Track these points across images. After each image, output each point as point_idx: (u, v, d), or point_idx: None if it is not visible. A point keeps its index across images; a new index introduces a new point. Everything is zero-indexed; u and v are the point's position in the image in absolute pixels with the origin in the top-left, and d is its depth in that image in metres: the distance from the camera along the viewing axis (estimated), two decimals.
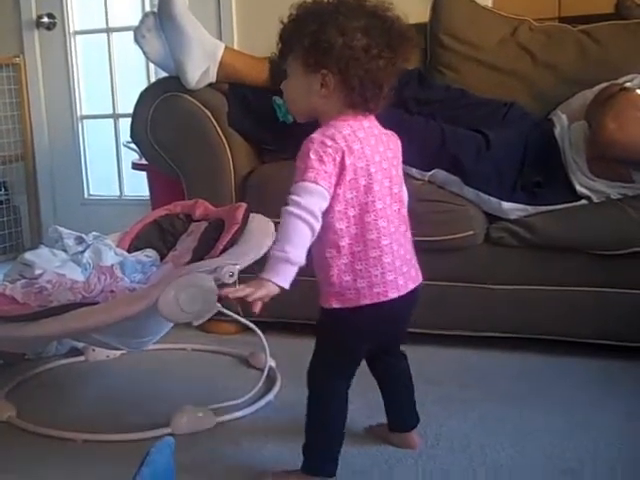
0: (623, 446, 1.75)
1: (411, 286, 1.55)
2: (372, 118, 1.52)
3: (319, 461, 1.58)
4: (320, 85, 1.45)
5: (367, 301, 1.49)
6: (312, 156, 1.41)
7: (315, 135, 1.44)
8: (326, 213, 1.44)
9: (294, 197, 1.41)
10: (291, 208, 1.40)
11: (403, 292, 1.52)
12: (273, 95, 2.35)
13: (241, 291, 1.40)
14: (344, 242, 1.47)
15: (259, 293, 1.38)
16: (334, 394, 1.57)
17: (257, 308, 1.41)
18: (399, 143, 1.58)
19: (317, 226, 1.41)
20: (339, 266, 1.48)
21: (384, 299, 1.49)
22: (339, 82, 1.44)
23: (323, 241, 1.47)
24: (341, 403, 1.57)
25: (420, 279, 1.60)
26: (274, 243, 1.42)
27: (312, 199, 1.40)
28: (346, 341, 1.55)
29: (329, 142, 1.42)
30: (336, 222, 1.46)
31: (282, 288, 1.39)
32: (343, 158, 1.43)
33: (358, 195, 1.46)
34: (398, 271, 1.51)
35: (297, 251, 1.39)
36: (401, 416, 1.77)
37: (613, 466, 1.66)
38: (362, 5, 1.45)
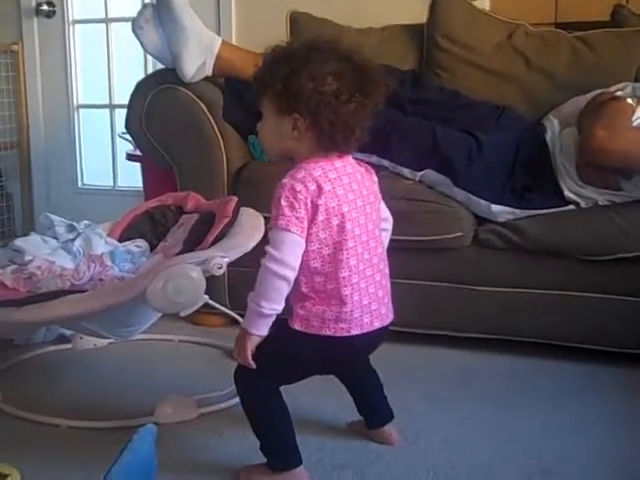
0: (602, 448, 1.77)
1: (377, 325, 1.57)
2: (346, 157, 1.54)
3: (279, 457, 1.60)
4: (292, 128, 1.48)
5: (329, 332, 1.52)
6: (283, 202, 1.46)
7: (285, 180, 1.48)
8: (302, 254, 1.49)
9: (270, 250, 1.47)
10: (268, 263, 1.47)
11: (366, 330, 1.54)
12: None
13: (237, 357, 1.55)
14: (319, 279, 1.51)
15: (247, 352, 1.51)
16: (268, 396, 1.58)
17: (251, 361, 1.52)
18: (375, 179, 1.62)
19: (293, 275, 1.48)
20: (313, 299, 1.52)
21: (345, 334, 1.52)
22: (310, 125, 1.47)
23: (299, 278, 1.51)
24: (277, 401, 1.58)
25: (390, 318, 1.62)
26: (252, 292, 1.49)
27: (287, 249, 1.46)
28: (295, 363, 1.57)
29: (299, 187, 1.46)
30: (311, 261, 1.50)
31: (261, 336, 1.50)
32: (314, 200, 1.46)
33: (332, 234, 1.49)
34: (365, 309, 1.54)
35: (272, 305, 1.47)
36: (373, 413, 1.79)
37: (591, 468, 1.68)
38: (334, 49, 1.48)
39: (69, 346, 2.35)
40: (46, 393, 2.05)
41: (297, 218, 1.46)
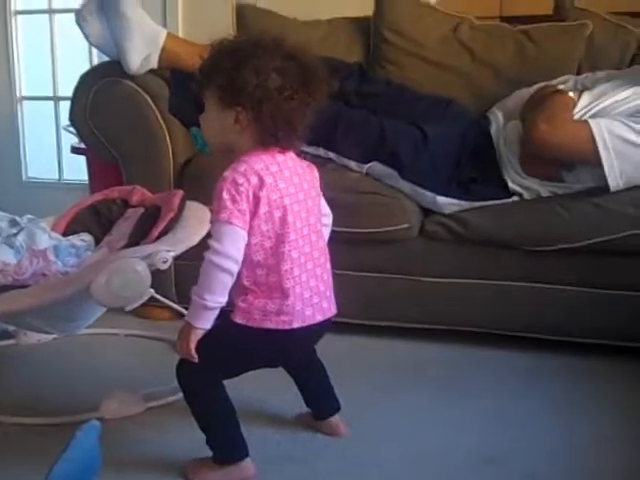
0: (548, 437, 1.80)
1: (319, 318, 1.58)
2: (287, 151, 1.55)
3: (225, 450, 1.60)
4: (234, 121, 1.49)
5: (271, 326, 1.52)
6: (225, 196, 1.47)
7: (227, 173, 1.49)
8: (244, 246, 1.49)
9: (213, 243, 1.47)
10: (211, 256, 1.47)
11: (307, 323, 1.55)
12: None
13: (180, 351, 1.54)
14: (261, 272, 1.52)
15: (190, 345, 1.51)
16: (211, 390, 1.58)
17: (194, 354, 1.51)
18: (316, 174, 1.63)
19: (237, 268, 1.48)
20: (255, 292, 1.52)
21: (287, 327, 1.53)
22: (252, 120, 1.48)
23: (241, 271, 1.51)
24: (220, 394, 1.59)
25: (333, 312, 1.63)
26: (196, 285, 1.49)
27: (229, 242, 1.47)
28: (236, 356, 1.57)
29: (241, 180, 1.47)
30: (253, 254, 1.51)
31: (205, 329, 1.50)
32: (256, 192, 1.47)
33: (274, 227, 1.50)
34: (307, 302, 1.55)
35: (216, 297, 1.48)
36: (320, 404, 1.81)
37: (536, 457, 1.72)
38: (280, 46, 1.50)
39: (13, 342, 2.31)
40: None
41: (239, 211, 1.46)
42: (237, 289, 1.53)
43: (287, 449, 1.72)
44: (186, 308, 2.00)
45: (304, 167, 1.59)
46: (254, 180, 1.48)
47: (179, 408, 1.78)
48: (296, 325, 1.53)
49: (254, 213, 1.48)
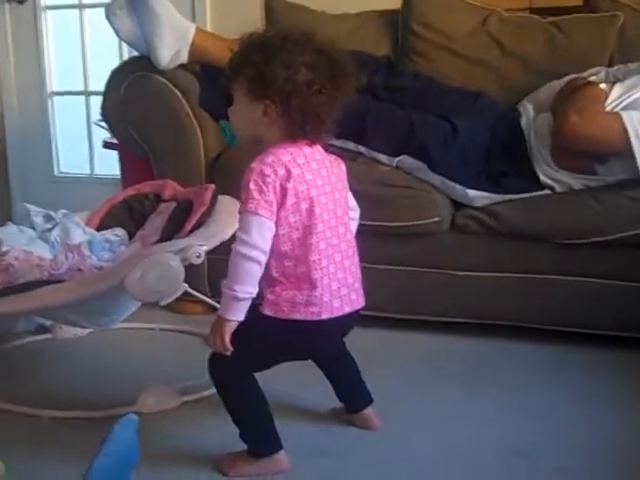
0: (578, 429, 1.80)
1: (347, 309, 1.58)
2: (315, 144, 1.56)
3: (259, 444, 1.62)
4: (262, 114, 1.50)
5: (299, 317, 1.53)
6: (252, 186, 1.47)
7: (254, 165, 1.49)
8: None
9: (240, 234, 1.48)
10: (238, 247, 1.48)
11: (336, 314, 1.56)
12: None
13: (213, 345, 1.54)
14: (289, 263, 1.52)
15: (224, 338, 1.51)
16: (243, 383, 1.59)
17: (228, 347, 1.51)
18: (343, 167, 1.63)
19: (264, 258, 1.49)
20: (283, 284, 1.53)
21: (316, 318, 1.53)
22: (281, 113, 1.49)
23: (269, 262, 1.51)
24: (252, 387, 1.60)
25: (361, 304, 1.63)
26: (225, 279, 1.49)
27: (256, 233, 1.47)
28: (266, 348, 1.58)
29: (268, 171, 1.47)
30: (281, 245, 1.51)
31: (237, 321, 1.50)
32: (283, 184, 1.48)
33: (301, 218, 1.51)
34: (335, 294, 1.55)
35: (245, 288, 1.48)
36: (352, 398, 1.81)
37: (567, 449, 1.72)
38: (309, 40, 1.50)
39: (49, 336, 2.34)
40: (27, 384, 2.05)
41: (266, 202, 1.47)
42: (266, 281, 1.54)
43: (320, 443, 1.73)
44: (219, 302, 2.03)
45: (331, 160, 1.60)
46: (281, 171, 1.48)
47: (213, 402, 1.79)
48: (325, 316, 1.54)
49: (281, 204, 1.49)
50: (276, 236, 1.50)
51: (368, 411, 1.80)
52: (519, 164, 2.30)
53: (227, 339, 1.51)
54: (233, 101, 1.57)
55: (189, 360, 2.14)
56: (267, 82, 1.47)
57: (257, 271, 1.49)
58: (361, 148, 2.36)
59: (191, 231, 1.94)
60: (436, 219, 2.26)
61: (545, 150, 2.28)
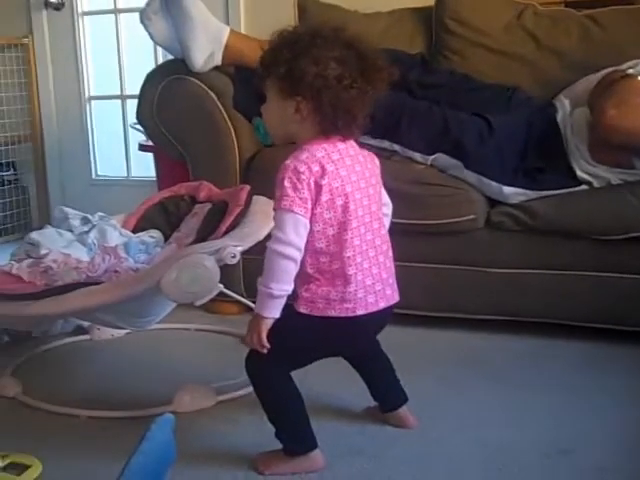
0: (619, 427, 1.78)
1: (382, 305, 1.57)
2: (348, 140, 1.55)
3: (295, 442, 1.61)
4: (294, 110, 1.50)
5: (334, 313, 1.52)
6: (286, 184, 1.47)
7: (288, 162, 1.49)
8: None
9: (276, 232, 1.48)
10: (273, 245, 1.48)
11: (371, 310, 1.55)
12: None
13: (249, 343, 1.55)
14: (324, 259, 1.52)
15: (261, 335, 1.51)
16: (280, 382, 1.59)
17: (265, 344, 1.52)
18: (377, 163, 1.62)
19: (299, 255, 1.49)
20: (318, 280, 1.53)
21: (351, 314, 1.53)
22: (312, 109, 1.49)
23: (304, 259, 1.51)
24: (289, 385, 1.60)
25: (396, 299, 1.62)
26: (261, 276, 1.50)
27: (291, 230, 1.47)
28: (302, 346, 1.58)
29: (302, 167, 1.47)
30: (316, 242, 1.51)
31: (274, 318, 1.50)
32: (317, 180, 1.47)
33: (336, 214, 1.50)
34: (369, 289, 1.55)
35: (281, 286, 1.48)
36: (387, 397, 1.81)
37: (609, 446, 1.69)
38: (338, 36, 1.50)
39: (87, 337, 2.37)
40: (65, 384, 2.07)
41: (300, 199, 1.47)
42: (300, 278, 1.53)
43: (356, 442, 1.73)
44: (254, 302, 2.04)
45: (365, 155, 1.59)
46: (315, 168, 1.48)
47: (249, 402, 1.80)
48: (360, 312, 1.53)
49: (316, 201, 1.49)
50: (311, 233, 1.50)
51: (403, 410, 1.79)
52: (555, 160, 2.27)
53: (264, 336, 1.52)
54: (266, 99, 1.57)
55: (225, 360, 2.16)
56: (297, 79, 1.47)
57: (292, 268, 1.49)
58: (396, 147, 2.35)
59: (226, 232, 1.94)
60: (471, 217, 2.25)
61: (582, 145, 2.25)
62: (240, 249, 1.77)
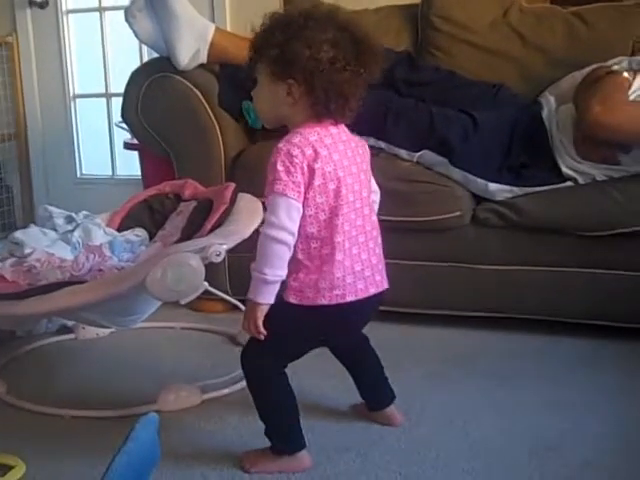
0: (606, 423, 1.78)
1: (372, 291, 1.56)
2: (340, 125, 1.54)
3: (284, 442, 1.61)
4: (286, 94, 1.48)
5: (324, 301, 1.51)
6: (279, 167, 1.45)
7: (281, 145, 1.47)
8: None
9: (269, 217, 1.47)
10: (267, 229, 1.46)
11: (361, 296, 1.54)
12: None
13: (247, 331, 1.53)
14: (315, 244, 1.51)
15: (257, 322, 1.49)
16: (275, 378, 1.59)
17: (262, 331, 1.50)
18: (367, 149, 1.61)
19: (293, 239, 1.47)
20: (307, 267, 1.51)
21: (341, 301, 1.52)
22: (305, 92, 1.47)
23: (296, 244, 1.50)
24: (283, 383, 1.59)
25: (385, 285, 1.61)
26: (254, 262, 1.48)
27: (284, 214, 1.45)
28: (296, 337, 1.57)
29: (295, 151, 1.45)
30: (308, 226, 1.50)
31: (268, 304, 1.49)
32: (310, 164, 1.46)
33: (328, 199, 1.49)
34: (358, 275, 1.53)
35: (275, 271, 1.47)
36: (374, 395, 1.80)
37: (595, 443, 1.69)
38: (332, 18, 1.48)
39: (71, 336, 2.36)
40: (49, 384, 2.06)
41: (294, 183, 1.45)
42: (289, 265, 1.51)
43: (343, 440, 1.72)
44: (240, 300, 2.03)
45: (356, 141, 1.58)
46: (309, 151, 1.46)
47: (235, 400, 1.80)
48: (350, 299, 1.52)
49: (309, 185, 1.47)
50: (303, 217, 1.48)
51: (390, 408, 1.78)
52: (541, 156, 2.27)
53: (260, 323, 1.50)
54: (256, 83, 1.55)
55: (210, 358, 2.16)
56: (290, 61, 1.45)
57: (286, 253, 1.47)
58: (382, 144, 2.34)
59: (211, 230, 1.93)
60: (457, 213, 2.25)
61: (567, 141, 2.25)
62: (225, 247, 1.76)
